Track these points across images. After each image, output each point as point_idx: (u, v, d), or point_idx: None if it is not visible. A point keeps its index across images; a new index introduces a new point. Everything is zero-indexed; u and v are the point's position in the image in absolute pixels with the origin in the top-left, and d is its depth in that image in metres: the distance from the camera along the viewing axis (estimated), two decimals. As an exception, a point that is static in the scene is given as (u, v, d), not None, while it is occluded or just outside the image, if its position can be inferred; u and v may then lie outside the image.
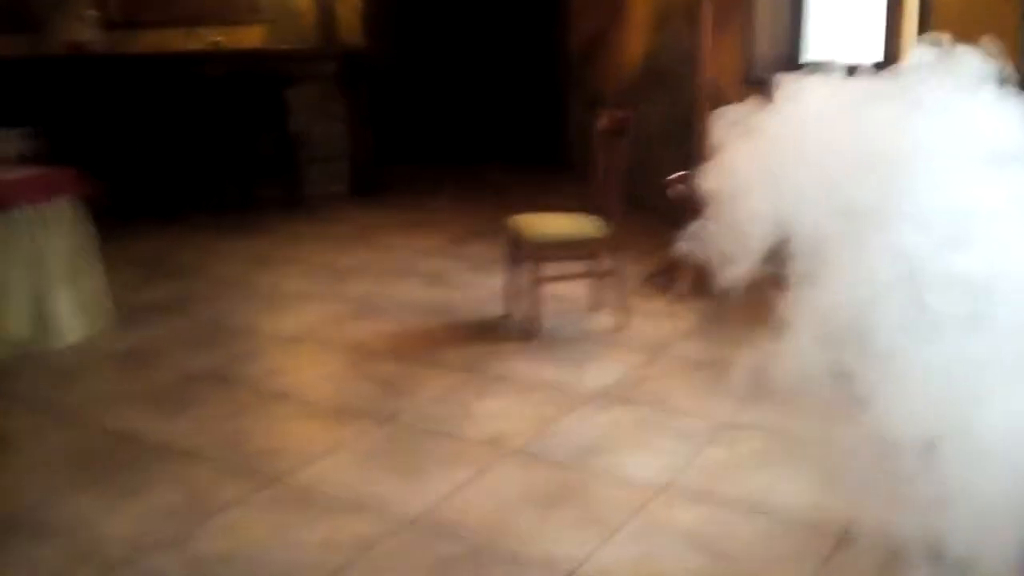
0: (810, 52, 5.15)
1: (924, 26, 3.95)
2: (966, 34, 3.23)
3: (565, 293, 4.47)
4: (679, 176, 4.76)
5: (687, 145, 5.91)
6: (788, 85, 2.17)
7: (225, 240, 6.28)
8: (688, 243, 2.49)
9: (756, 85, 5.24)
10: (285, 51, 7.78)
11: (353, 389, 3.74)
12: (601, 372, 3.75)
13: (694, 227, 2.40)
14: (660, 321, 4.30)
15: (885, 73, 2.05)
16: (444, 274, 5.26)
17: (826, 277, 2.20)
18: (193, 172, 7.29)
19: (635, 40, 6.82)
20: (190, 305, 4.88)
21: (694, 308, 4.46)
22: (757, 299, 4.20)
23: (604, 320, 4.33)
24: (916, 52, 1.98)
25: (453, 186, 8.04)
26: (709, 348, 3.95)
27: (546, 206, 5.88)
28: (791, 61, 5.19)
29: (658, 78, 6.45)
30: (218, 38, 7.92)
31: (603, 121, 4.38)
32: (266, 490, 2.96)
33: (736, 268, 2.32)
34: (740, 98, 5.22)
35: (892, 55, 4.38)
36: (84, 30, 7.31)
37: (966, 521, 2.24)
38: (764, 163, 2.19)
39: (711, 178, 2.34)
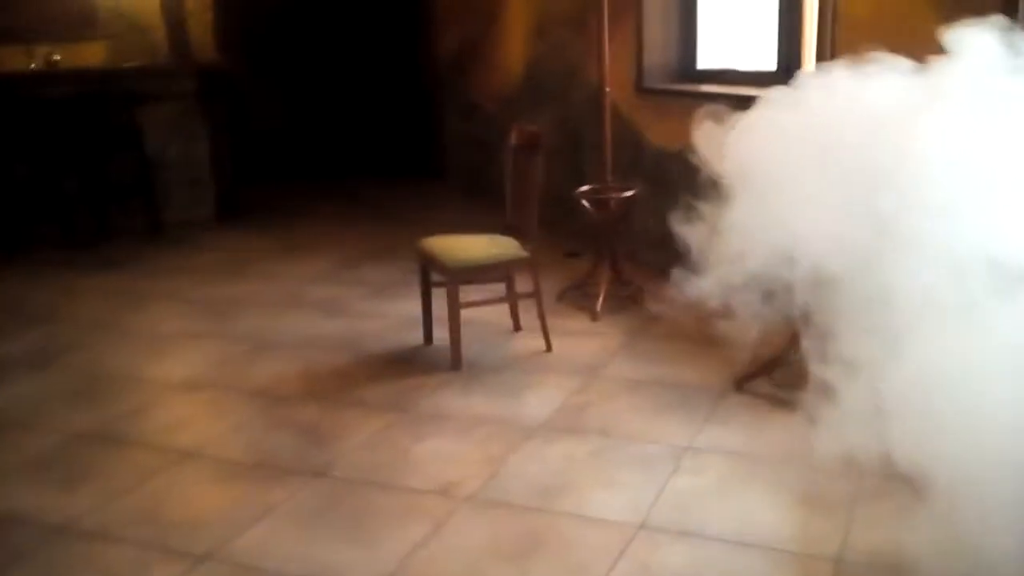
0: (702, 60, 5.14)
1: (830, 32, 3.96)
2: (875, 41, 3.22)
3: (482, 317, 4.25)
4: (589, 189, 4.63)
5: (576, 156, 5.82)
6: (812, 82, 2.02)
7: (83, 277, 5.71)
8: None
9: (647, 94, 5.24)
10: (136, 68, 7.21)
11: (271, 440, 3.39)
12: (539, 401, 3.55)
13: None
14: (584, 340, 4.15)
15: (931, 68, 1.93)
16: (341, 302, 4.94)
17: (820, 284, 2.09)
18: (38, 204, 6.63)
19: (513, 49, 6.68)
20: (58, 355, 4.36)
21: (614, 324, 4.34)
22: (677, 313, 4.12)
23: (527, 343, 4.14)
24: (969, 39, 1.84)
25: (327, 204, 7.67)
26: (642, 367, 3.83)
27: (436, 222, 5.66)
28: (684, 69, 5.17)
29: (540, 88, 6.33)
30: (56, 56, 7.27)
31: (513, 137, 4.19)
32: (198, 570, 2.61)
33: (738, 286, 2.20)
34: (631, 107, 5.13)
35: (789, 62, 4.40)
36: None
37: (966, 533, 2.19)
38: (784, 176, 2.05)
39: (711, 193, 2.20)
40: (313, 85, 9.04)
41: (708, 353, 3.82)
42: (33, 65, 7.22)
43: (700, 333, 3.98)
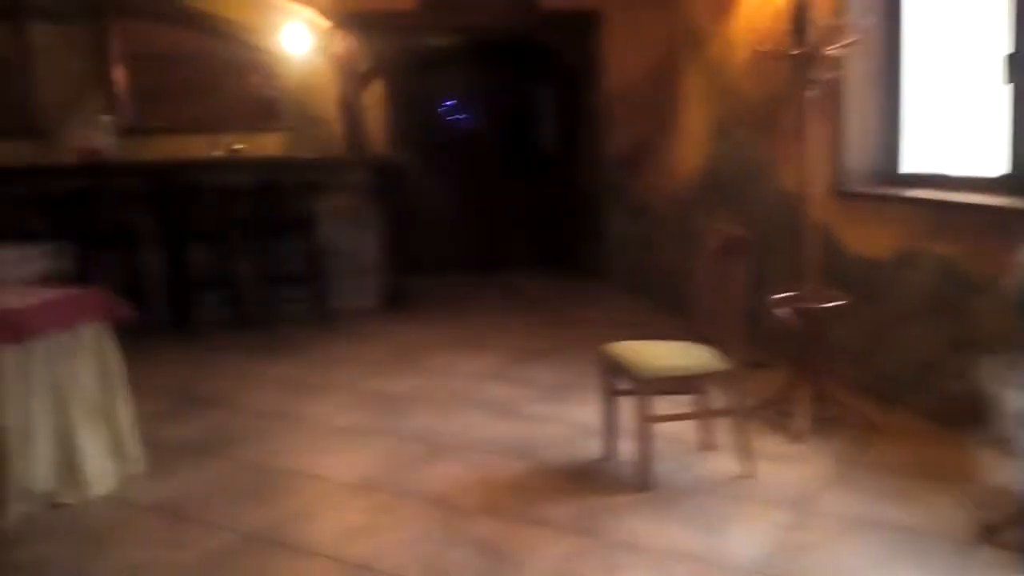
0: (909, 163, 4.72)
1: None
2: None
3: (669, 432, 3.87)
4: (788, 297, 4.24)
5: (759, 260, 5.43)
6: None
7: (252, 362, 5.66)
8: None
9: (847, 197, 4.84)
10: (314, 159, 7.33)
11: (450, 558, 3.08)
12: (747, 537, 3.13)
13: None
14: (788, 466, 3.71)
15: None
16: (512, 404, 4.66)
17: None
18: (214, 286, 6.72)
19: (690, 149, 6.42)
20: (229, 443, 4.23)
21: (821, 449, 3.88)
22: (895, 436, 3.62)
23: (723, 465, 3.73)
24: None
25: (490, 298, 7.53)
26: (862, 502, 3.35)
27: (601, 321, 5.38)
28: (887, 173, 4.76)
29: (719, 189, 6.02)
30: (238, 145, 7.48)
31: (713, 239, 3.87)
32: None
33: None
34: (827, 211, 4.72)
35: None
36: (97, 136, 6.83)
37: None
38: None
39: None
40: (476, 178, 9.04)
41: (941, 491, 3.33)
42: (216, 153, 7.45)
43: (930, 465, 3.52)
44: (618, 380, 3.80)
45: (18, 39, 7.58)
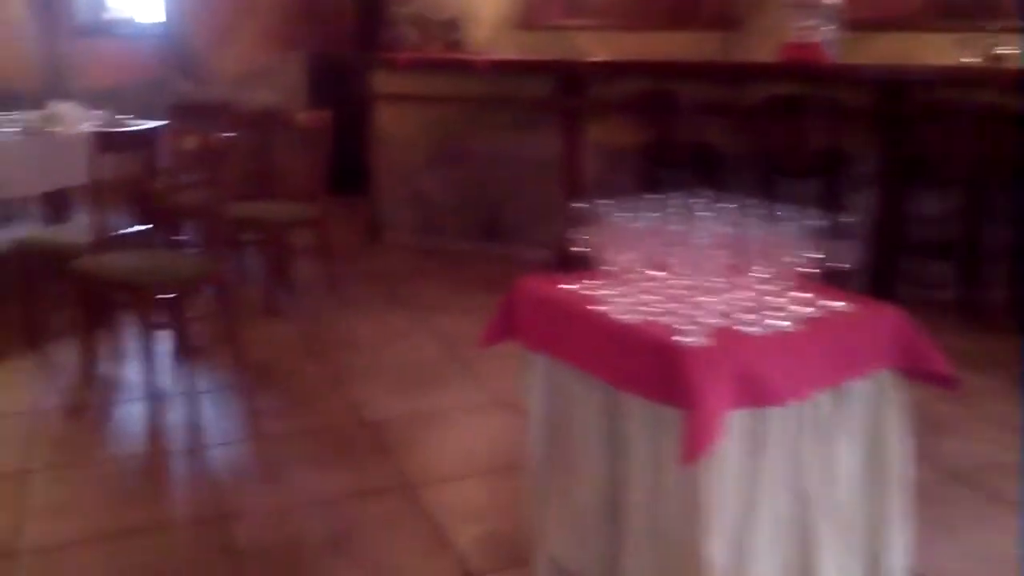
0: None
1: None
2: None
3: None
4: None
5: None
6: None
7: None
8: None
9: None
10: None
11: None
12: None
13: None
14: None
15: None
16: None
17: None
18: (940, 251, 4.57)
19: None
20: None
21: None
22: None
23: None
24: None
25: None
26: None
27: None
28: None
29: None
30: (1003, 49, 5.03)
31: None
32: None
33: None
34: None
35: None
36: (815, 29, 4.92)
37: None
38: None
39: None
40: None
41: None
42: (968, 60, 5.10)
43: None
44: None
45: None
